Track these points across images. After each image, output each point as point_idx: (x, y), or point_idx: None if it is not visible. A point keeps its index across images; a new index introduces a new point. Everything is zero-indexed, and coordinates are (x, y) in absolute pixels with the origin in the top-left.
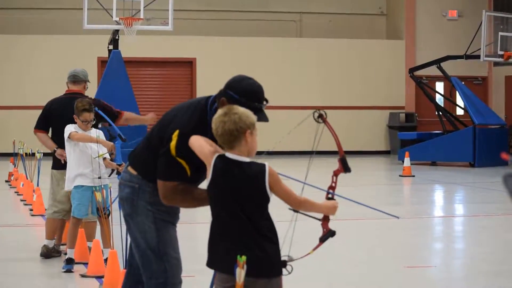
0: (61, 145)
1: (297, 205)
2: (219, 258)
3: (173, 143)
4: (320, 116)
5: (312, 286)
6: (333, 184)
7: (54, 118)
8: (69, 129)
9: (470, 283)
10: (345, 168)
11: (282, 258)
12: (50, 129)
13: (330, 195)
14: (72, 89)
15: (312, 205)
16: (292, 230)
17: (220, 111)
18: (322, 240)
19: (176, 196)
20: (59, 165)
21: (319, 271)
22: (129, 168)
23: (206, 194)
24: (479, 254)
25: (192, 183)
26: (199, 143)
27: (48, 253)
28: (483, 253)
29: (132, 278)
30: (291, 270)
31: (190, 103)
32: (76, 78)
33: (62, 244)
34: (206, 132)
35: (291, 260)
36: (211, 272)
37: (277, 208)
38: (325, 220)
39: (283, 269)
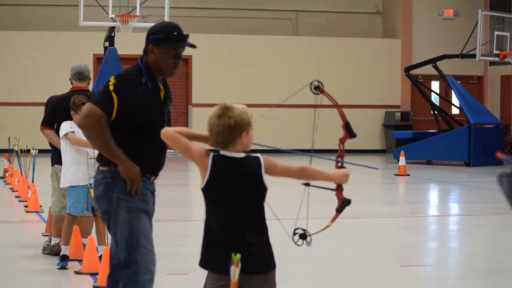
0: None
1: (300, 172)
2: (213, 257)
3: (111, 82)
4: (317, 88)
5: (307, 286)
6: (341, 153)
7: (61, 115)
8: (66, 128)
9: (464, 282)
10: (350, 133)
11: (298, 231)
12: (56, 126)
13: (339, 164)
14: (78, 86)
15: (321, 173)
16: (306, 205)
17: (215, 111)
18: (339, 210)
19: (92, 122)
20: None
21: (313, 271)
22: (100, 168)
23: (118, 152)
24: (474, 253)
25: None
26: (182, 141)
27: (59, 251)
28: (478, 252)
29: (112, 279)
30: (310, 241)
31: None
32: (82, 76)
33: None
34: (139, 81)
35: (307, 235)
36: (205, 270)
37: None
38: (339, 189)
39: (304, 241)
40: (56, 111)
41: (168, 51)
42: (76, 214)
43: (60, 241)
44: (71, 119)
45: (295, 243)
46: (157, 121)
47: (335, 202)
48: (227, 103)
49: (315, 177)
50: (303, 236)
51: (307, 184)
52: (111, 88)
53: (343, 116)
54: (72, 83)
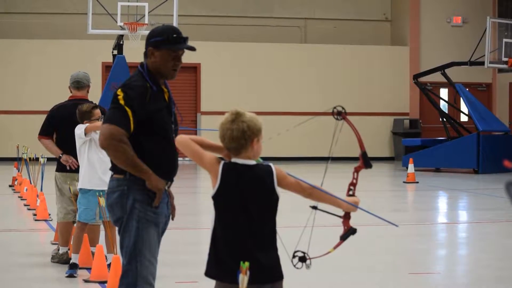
0: (66, 150)
1: (310, 191)
2: (221, 266)
3: (120, 96)
4: (339, 113)
5: None
6: (354, 181)
7: (59, 124)
8: (81, 126)
9: None
10: (366, 163)
11: (298, 254)
12: (55, 135)
13: (351, 192)
14: (76, 95)
15: (331, 198)
16: (309, 229)
17: (227, 117)
18: (343, 238)
19: (114, 142)
20: (62, 168)
21: (322, 278)
22: (114, 176)
23: (144, 166)
24: (483, 261)
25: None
26: (195, 148)
27: (68, 260)
28: (487, 259)
29: None
30: (310, 264)
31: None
32: (80, 84)
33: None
34: (147, 88)
35: (307, 258)
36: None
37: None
38: (346, 217)
39: (303, 264)
40: (52, 120)
41: (168, 53)
42: (86, 221)
43: (69, 249)
44: (67, 127)
45: (294, 266)
46: (167, 125)
47: (340, 229)
48: (238, 109)
49: (324, 199)
50: (303, 259)
51: (314, 207)
52: (122, 102)
53: (361, 145)
54: (71, 91)
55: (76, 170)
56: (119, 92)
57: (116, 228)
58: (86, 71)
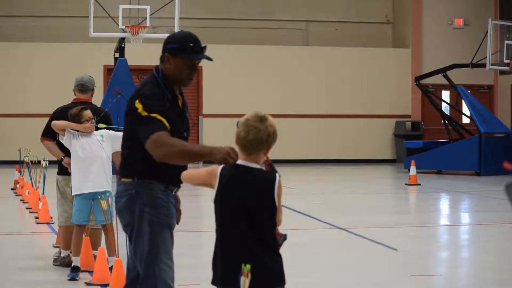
0: (69, 153)
1: (279, 223)
2: (227, 273)
3: (140, 108)
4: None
5: None
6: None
7: None
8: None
9: None
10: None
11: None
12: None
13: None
14: (80, 98)
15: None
16: None
17: (255, 116)
18: (279, 244)
19: (164, 148)
20: (64, 171)
21: (323, 280)
22: (122, 179)
23: (202, 147)
24: (485, 263)
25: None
26: (192, 171)
27: (70, 263)
28: (489, 261)
29: None
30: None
31: (139, 84)
32: (84, 88)
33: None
34: (163, 94)
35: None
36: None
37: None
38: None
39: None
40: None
41: (183, 62)
42: (77, 223)
43: (71, 253)
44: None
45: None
46: (180, 133)
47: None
48: (265, 114)
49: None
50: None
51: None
52: (144, 113)
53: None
54: (75, 94)
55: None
56: (138, 104)
57: (123, 233)
58: (88, 74)
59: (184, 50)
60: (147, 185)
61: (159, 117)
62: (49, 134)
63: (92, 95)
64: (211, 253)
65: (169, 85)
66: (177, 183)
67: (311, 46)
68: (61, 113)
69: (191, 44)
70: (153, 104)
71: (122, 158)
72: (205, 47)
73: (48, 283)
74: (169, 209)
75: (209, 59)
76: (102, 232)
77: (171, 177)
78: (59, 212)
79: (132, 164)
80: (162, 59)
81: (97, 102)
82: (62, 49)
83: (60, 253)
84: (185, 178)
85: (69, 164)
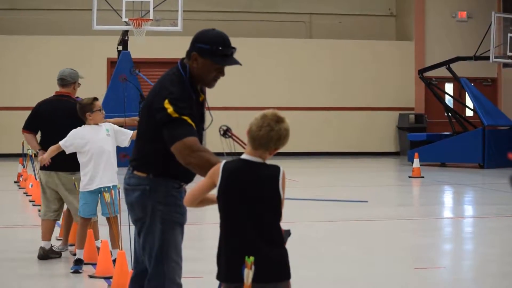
0: (49, 146)
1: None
2: (232, 268)
3: (171, 109)
4: (225, 132)
5: None
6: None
7: (42, 119)
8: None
9: (479, 284)
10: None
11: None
12: (40, 131)
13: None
14: (61, 91)
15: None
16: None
17: (272, 114)
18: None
19: (195, 154)
20: (43, 166)
21: (326, 273)
22: (136, 172)
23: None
24: (489, 255)
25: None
26: (192, 190)
27: (45, 255)
28: (493, 254)
29: (134, 285)
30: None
31: (163, 78)
32: (64, 82)
33: (71, 245)
34: (191, 93)
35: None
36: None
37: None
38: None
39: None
40: (35, 114)
41: (211, 64)
42: (85, 216)
43: (52, 245)
44: (53, 122)
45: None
46: (200, 131)
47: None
48: (281, 115)
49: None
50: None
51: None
52: (175, 115)
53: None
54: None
55: (55, 168)
56: (167, 105)
57: (127, 226)
58: (91, 67)
59: (214, 53)
60: (162, 182)
61: (189, 120)
62: (30, 127)
63: (74, 88)
64: (213, 246)
65: (194, 84)
66: (190, 179)
67: (314, 39)
68: (41, 106)
69: (221, 48)
70: (184, 107)
71: (137, 150)
72: (234, 50)
73: (51, 276)
74: (182, 206)
75: (238, 63)
76: (104, 224)
77: (186, 175)
78: (41, 206)
79: (150, 161)
80: (189, 55)
81: (97, 94)
82: (65, 42)
83: (65, 244)
84: (188, 202)
85: (44, 160)
